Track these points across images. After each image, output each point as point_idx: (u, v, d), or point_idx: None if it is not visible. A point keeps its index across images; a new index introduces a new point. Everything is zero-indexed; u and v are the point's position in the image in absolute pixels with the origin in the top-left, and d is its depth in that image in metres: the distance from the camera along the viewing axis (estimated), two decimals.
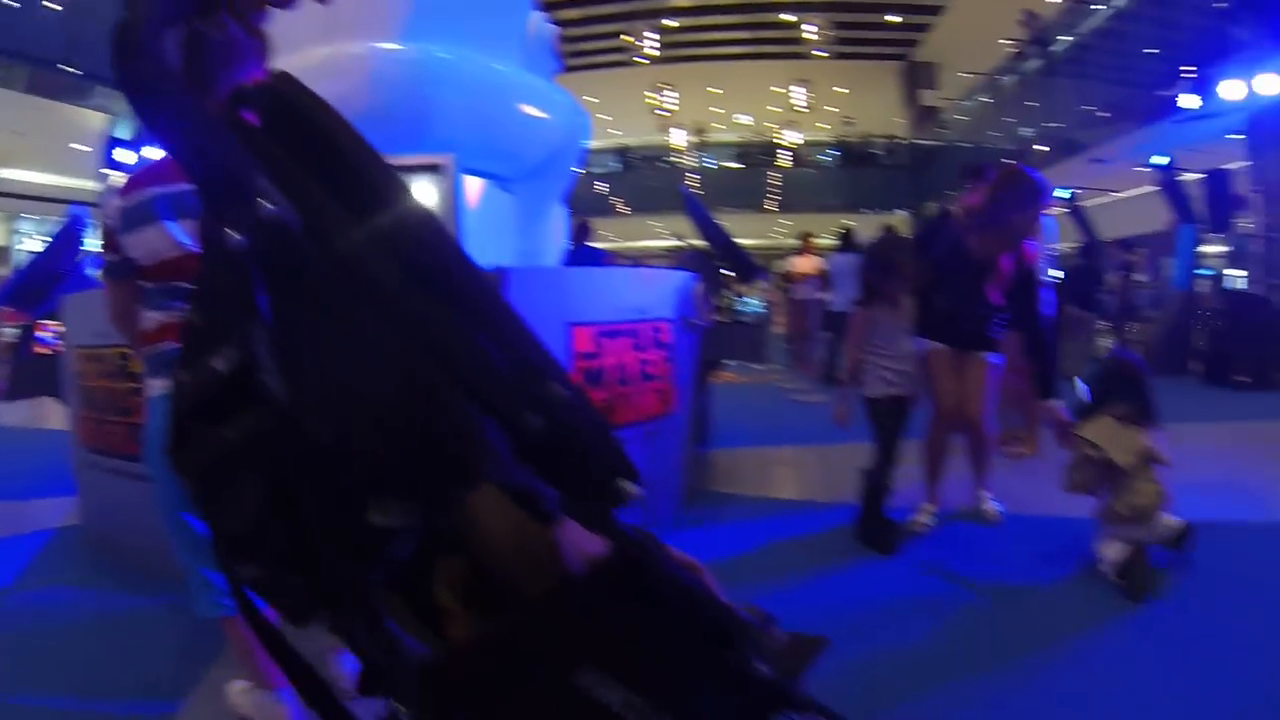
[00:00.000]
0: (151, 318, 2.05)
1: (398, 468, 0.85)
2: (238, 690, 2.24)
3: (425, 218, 0.93)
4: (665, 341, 4.09)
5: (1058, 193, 15.00)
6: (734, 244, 4.85)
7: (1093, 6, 17.92)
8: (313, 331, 0.85)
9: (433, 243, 0.93)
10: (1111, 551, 3.20)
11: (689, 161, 28.63)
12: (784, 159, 28.88)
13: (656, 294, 4.11)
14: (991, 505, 4.15)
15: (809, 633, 1.82)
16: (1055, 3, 19.61)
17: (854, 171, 28.45)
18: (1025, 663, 2.66)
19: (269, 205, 0.78)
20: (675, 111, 25.61)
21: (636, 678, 1.09)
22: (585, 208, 21.61)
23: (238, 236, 0.78)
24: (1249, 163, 11.55)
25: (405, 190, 0.92)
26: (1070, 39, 19.39)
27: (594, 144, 27.72)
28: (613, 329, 3.76)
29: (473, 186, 4.61)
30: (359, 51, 4.23)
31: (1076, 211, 14.52)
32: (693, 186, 26.82)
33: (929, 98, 28.44)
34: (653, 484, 3.81)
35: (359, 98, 3.83)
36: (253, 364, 0.80)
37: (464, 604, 1.09)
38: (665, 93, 24.42)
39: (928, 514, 4.05)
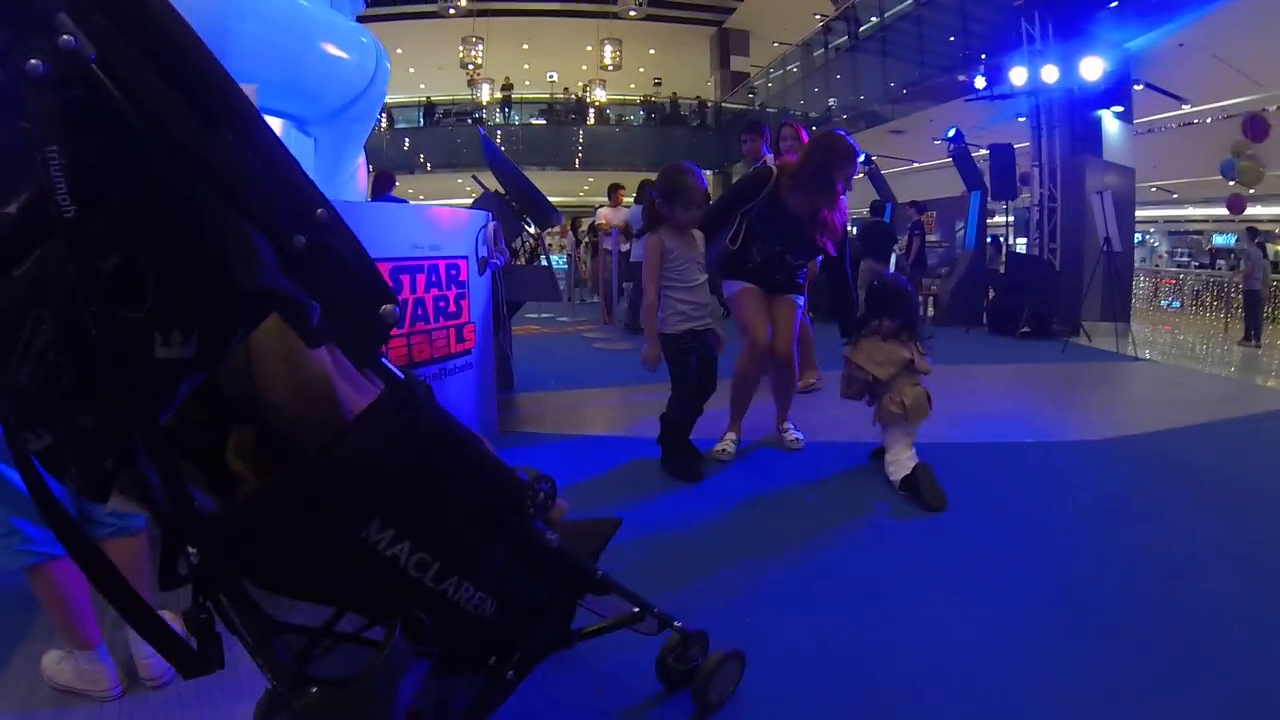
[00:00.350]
0: None
1: (181, 293, 0.90)
2: (53, 660, 2.05)
3: (195, 42, 0.90)
4: (461, 280, 3.84)
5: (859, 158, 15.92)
6: (531, 188, 4.60)
7: None
8: (102, 158, 0.84)
9: (205, 65, 0.91)
10: (897, 468, 3.64)
11: (496, 119, 27.97)
12: (591, 118, 28.57)
13: (452, 232, 3.86)
14: (793, 434, 4.41)
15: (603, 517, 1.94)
16: None
17: (661, 131, 28.48)
18: (824, 559, 2.92)
19: (68, 37, 0.78)
20: (482, 67, 24.80)
21: (424, 535, 1.17)
22: (389, 163, 20.83)
23: (38, 64, 0.77)
24: (1029, 142, 12.44)
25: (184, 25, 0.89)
26: (876, 20, 20.12)
27: (400, 98, 26.92)
28: (409, 265, 3.52)
29: (272, 126, 4.18)
30: None
31: (874, 174, 15.42)
32: (500, 143, 26.33)
33: (740, 64, 28.96)
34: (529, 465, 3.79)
35: None
36: (48, 190, 0.79)
37: (255, 473, 1.16)
38: (475, 47, 23.54)
39: (731, 443, 4.23)
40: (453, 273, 3.78)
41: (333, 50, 4.48)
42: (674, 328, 3.73)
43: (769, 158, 5.22)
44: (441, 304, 3.70)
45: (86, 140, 0.82)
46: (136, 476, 1.01)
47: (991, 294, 12.05)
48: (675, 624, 1.85)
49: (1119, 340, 9.41)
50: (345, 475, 1.08)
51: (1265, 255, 13.59)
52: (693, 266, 3.71)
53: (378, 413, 1.13)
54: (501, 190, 4.73)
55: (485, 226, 4.07)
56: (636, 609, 1.78)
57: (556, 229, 11.66)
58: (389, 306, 1.05)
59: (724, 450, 4.19)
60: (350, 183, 5.51)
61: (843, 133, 4.08)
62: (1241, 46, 11.96)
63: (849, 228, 4.18)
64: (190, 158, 0.88)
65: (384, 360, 1.12)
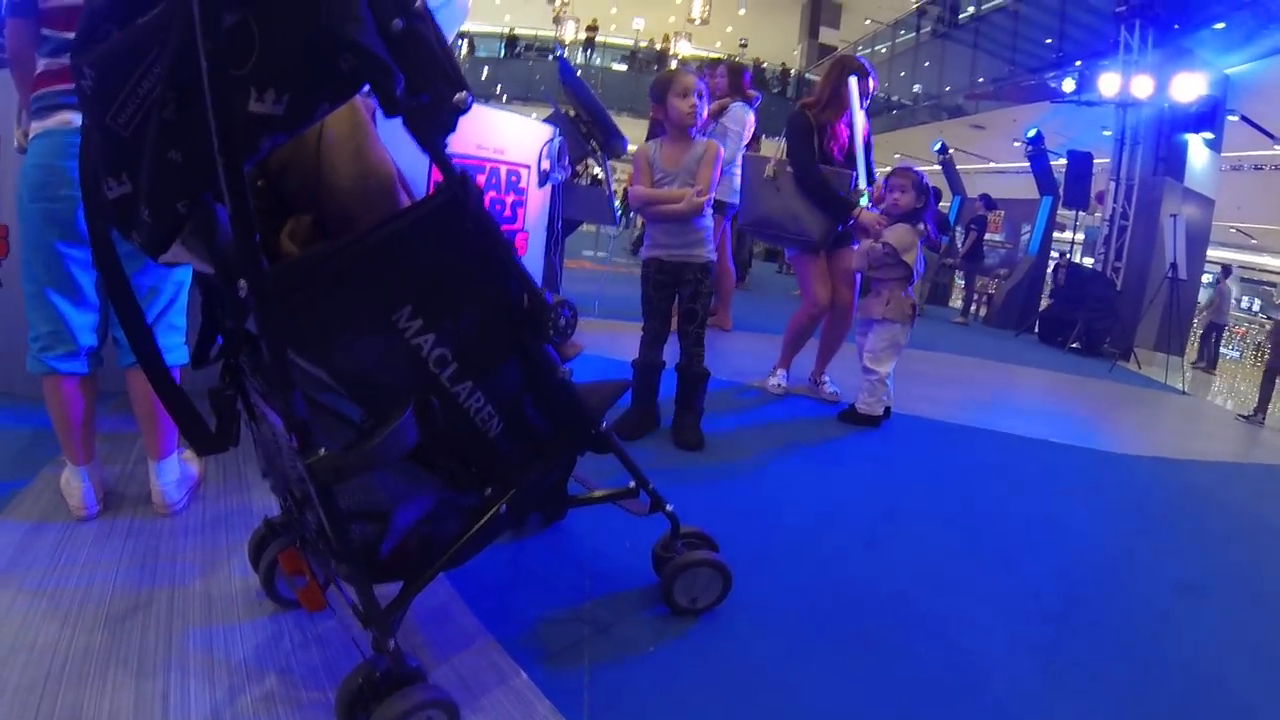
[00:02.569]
0: (43, 63, 2.00)
1: (284, 55, 1.02)
2: (61, 475, 2.20)
3: None
4: (521, 187, 3.89)
5: (934, 146, 15.77)
6: (602, 113, 4.62)
7: None
8: None
9: None
10: (872, 397, 3.98)
11: (578, 59, 27.80)
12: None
13: (518, 139, 3.88)
14: (830, 387, 4.49)
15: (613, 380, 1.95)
16: None
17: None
18: (833, 512, 2.90)
19: None
20: (570, 4, 24.62)
21: (449, 332, 1.27)
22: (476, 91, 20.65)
23: None
24: (1110, 158, 12.17)
25: None
26: (972, 10, 19.70)
27: (483, 26, 26.81)
28: (472, 163, 3.56)
29: None
30: None
31: (947, 166, 15.22)
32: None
33: (829, 36, 28.51)
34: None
35: None
36: None
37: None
38: None
39: (782, 378, 4.44)
40: (513, 179, 3.81)
41: None
42: (644, 253, 3.37)
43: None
44: (498, 207, 3.74)
45: None
46: (204, 222, 1.11)
47: (1046, 303, 11.83)
48: (667, 507, 1.87)
49: (1168, 372, 9.16)
50: (387, 254, 1.18)
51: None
52: (676, 185, 3.20)
53: (428, 203, 1.22)
54: (572, 113, 4.74)
55: (551, 140, 4.09)
56: (632, 483, 1.80)
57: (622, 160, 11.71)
58: (463, 94, 1.13)
59: (778, 385, 4.40)
60: None
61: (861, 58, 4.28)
62: None
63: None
64: None
65: (447, 151, 1.19)
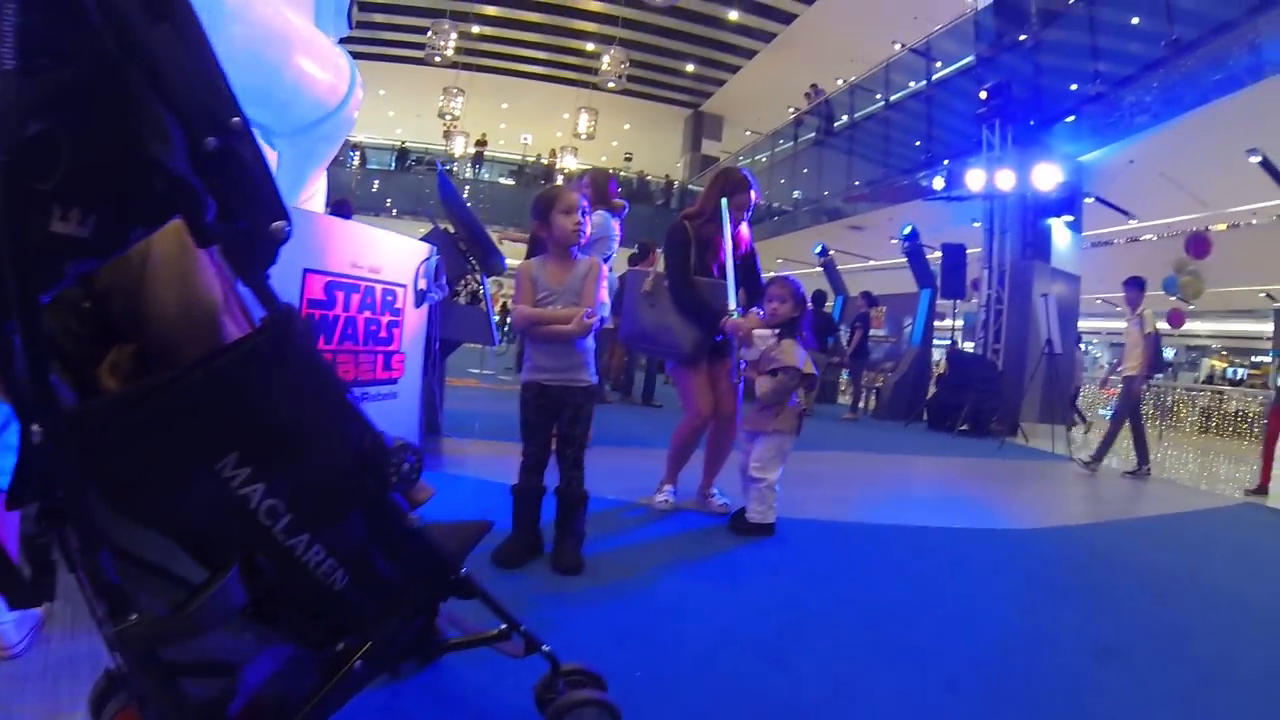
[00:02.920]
0: None
1: (90, 172, 0.93)
2: None
3: None
4: (396, 307, 3.80)
5: (814, 249, 16.37)
6: (480, 230, 4.61)
7: (875, 94, 19.50)
8: (53, 26, 0.90)
9: None
10: (764, 506, 3.87)
11: (467, 173, 28.18)
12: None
13: (394, 258, 3.82)
14: (719, 499, 4.35)
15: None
16: (838, 85, 21.09)
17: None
18: (733, 626, 2.74)
19: None
20: (459, 119, 25.03)
21: (280, 482, 1.15)
22: (358, 202, 20.75)
23: None
24: (981, 247, 12.91)
25: None
26: (846, 118, 20.81)
27: (375, 138, 26.98)
28: (346, 282, 3.46)
29: None
30: None
31: (829, 266, 15.75)
32: (467, 199, 26.44)
33: (710, 147, 29.63)
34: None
35: None
36: None
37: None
38: (455, 99, 23.75)
39: (669, 494, 4.31)
40: (388, 298, 3.72)
41: (308, 65, 4.43)
42: (525, 375, 3.23)
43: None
44: (373, 328, 3.63)
45: (44, 6, 0.89)
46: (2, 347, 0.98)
47: (933, 390, 12.25)
48: (544, 648, 1.74)
49: (1055, 441, 9.58)
50: (207, 396, 1.08)
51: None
52: (560, 304, 3.11)
53: (253, 339, 1.14)
54: (451, 229, 4.70)
55: (428, 258, 4.04)
56: (503, 625, 1.69)
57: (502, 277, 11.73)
58: (281, 224, 1.07)
59: (665, 501, 4.25)
60: (308, 204, 5.45)
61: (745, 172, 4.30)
62: (1188, 166, 12.56)
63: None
64: (132, 43, 0.95)
65: (270, 284, 1.12)
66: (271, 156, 4.90)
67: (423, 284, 3.98)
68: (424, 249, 4.10)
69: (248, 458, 1.11)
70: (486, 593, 1.58)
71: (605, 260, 5.45)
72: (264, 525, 1.17)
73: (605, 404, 9.17)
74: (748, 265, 4.22)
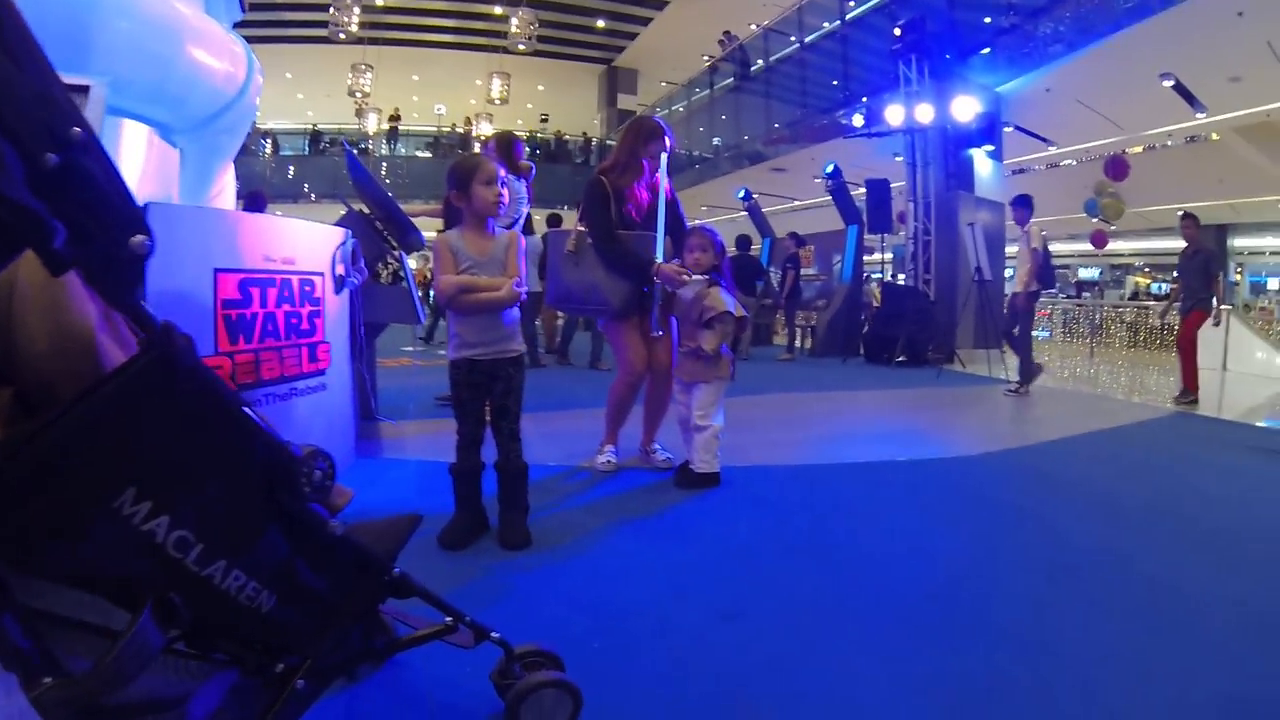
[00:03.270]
0: None
1: None
2: None
3: None
4: (316, 297, 3.68)
5: (737, 194, 16.38)
6: (394, 207, 4.48)
7: (789, 37, 19.41)
8: None
9: None
10: (708, 455, 3.89)
11: (382, 149, 27.63)
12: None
13: (308, 246, 3.67)
14: (662, 454, 4.36)
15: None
16: (752, 30, 20.95)
17: (545, 168, 28.49)
18: (681, 579, 2.77)
19: None
20: (370, 96, 24.42)
21: (184, 511, 1.08)
22: (273, 191, 20.22)
23: None
24: (905, 181, 13.00)
25: None
26: (761, 63, 20.72)
27: (286, 124, 26.25)
28: (260, 277, 3.33)
29: (137, 132, 4.03)
30: None
31: (753, 210, 15.77)
32: (385, 175, 25.94)
33: (626, 102, 29.35)
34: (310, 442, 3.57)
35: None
36: None
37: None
38: (363, 75, 23.13)
39: (610, 454, 4.27)
40: (307, 289, 3.61)
41: (201, 56, 4.24)
42: (452, 353, 3.15)
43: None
44: (294, 320, 3.52)
45: None
46: None
47: (867, 325, 12.39)
48: (493, 634, 1.71)
49: (991, 366, 9.78)
50: (92, 435, 1.00)
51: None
52: (485, 275, 3.06)
53: (131, 366, 1.05)
54: (366, 209, 4.57)
55: (344, 244, 3.93)
56: (449, 618, 1.66)
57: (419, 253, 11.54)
58: (140, 238, 0.99)
59: (607, 462, 4.21)
60: (218, 200, 5.27)
61: (657, 118, 4.29)
62: (1103, 92, 12.89)
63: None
64: None
65: (143, 304, 1.05)
66: (173, 155, 4.72)
67: (340, 269, 3.88)
68: (338, 234, 3.98)
69: (146, 491, 1.05)
70: (425, 589, 1.54)
71: (516, 223, 5.38)
72: (175, 559, 1.10)
73: (540, 368, 9.15)
74: (670, 214, 4.18)
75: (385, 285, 4.67)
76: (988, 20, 13.22)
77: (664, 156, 4.12)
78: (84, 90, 3.04)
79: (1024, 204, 8.57)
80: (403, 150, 28.13)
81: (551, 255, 4.25)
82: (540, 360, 9.64)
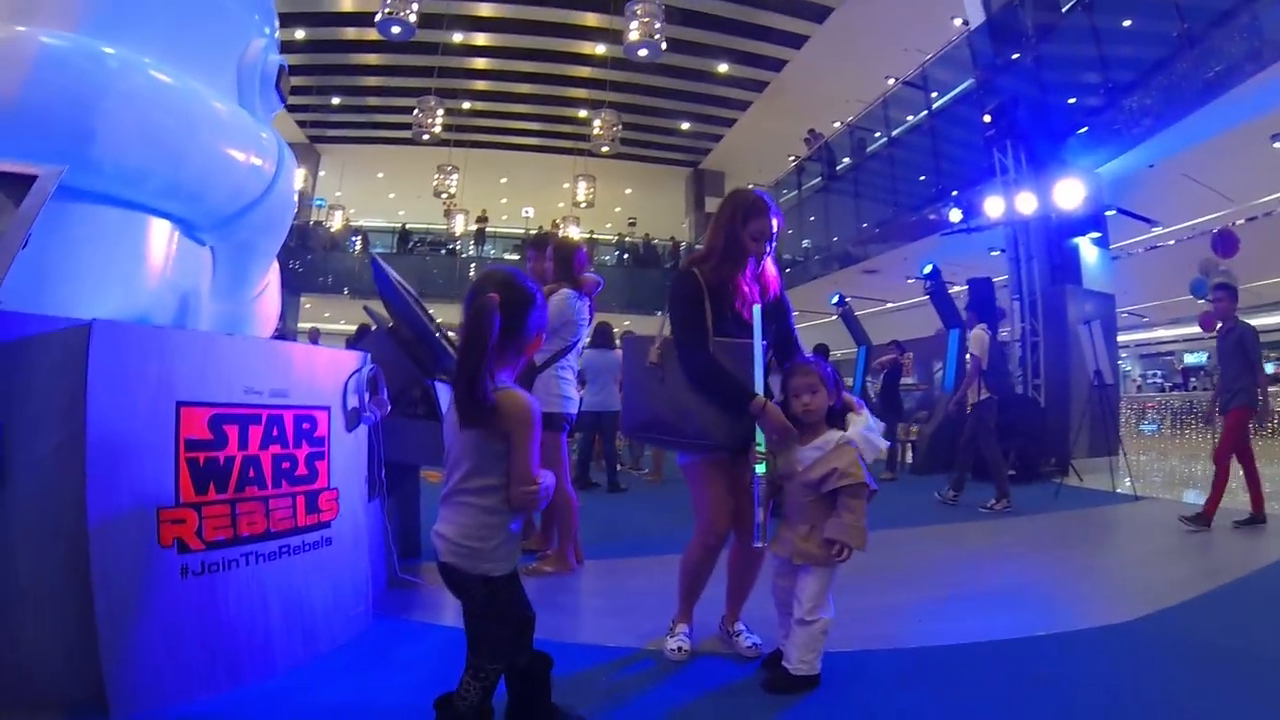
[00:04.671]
0: None
1: None
2: None
3: None
4: (317, 436, 3.03)
5: (830, 299, 15.62)
6: (424, 326, 3.77)
7: (875, 133, 19.06)
8: None
9: None
10: (811, 654, 2.89)
11: (470, 250, 27.80)
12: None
13: (306, 376, 3.06)
14: (748, 638, 3.30)
15: None
16: (836, 127, 20.61)
17: (634, 271, 28.32)
18: None
19: None
20: (456, 197, 24.60)
21: None
22: (363, 287, 20.22)
23: None
24: (1007, 275, 12.16)
25: None
26: (848, 160, 20.26)
27: (378, 222, 26.84)
28: (240, 412, 2.74)
29: (160, 231, 3.64)
30: (12, 38, 3.10)
31: (847, 315, 14.99)
32: (472, 276, 25.96)
33: (714, 205, 29.10)
34: (302, 610, 2.96)
35: (8, 96, 2.90)
36: None
37: None
38: (449, 176, 23.35)
39: (683, 639, 3.27)
40: (305, 426, 2.97)
41: (221, 148, 3.81)
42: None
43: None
44: (285, 465, 2.88)
45: None
46: None
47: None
48: None
49: (1114, 477, 8.84)
50: None
51: None
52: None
53: None
54: (392, 322, 3.89)
55: (358, 371, 3.29)
56: None
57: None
58: None
59: (677, 649, 3.21)
60: (256, 304, 4.75)
61: (758, 191, 3.32)
62: (1210, 162, 11.89)
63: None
64: None
65: None
66: (203, 254, 4.23)
67: (354, 402, 3.23)
68: (351, 359, 3.35)
69: None
70: None
71: (573, 348, 4.68)
72: None
73: (620, 491, 8.49)
74: (778, 318, 3.29)
75: (413, 419, 3.95)
76: (1071, 101, 12.42)
77: (771, 242, 3.21)
78: (28, 180, 2.50)
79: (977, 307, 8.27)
80: (492, 252, 28.24)
81: (629, 368, 3.32)
82: (620, 484, 8.96)
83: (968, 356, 8.07)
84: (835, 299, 15.39)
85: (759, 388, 2.96)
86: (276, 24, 4.66)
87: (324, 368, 3.16)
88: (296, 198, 4.80)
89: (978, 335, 8.20)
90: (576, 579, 4.52)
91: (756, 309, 3.02)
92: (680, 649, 3.22)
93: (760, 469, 2.96)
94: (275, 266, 4.97)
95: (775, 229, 3.18)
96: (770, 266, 3.28)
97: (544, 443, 4.56)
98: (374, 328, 3.95)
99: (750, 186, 3.38)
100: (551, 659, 2.40)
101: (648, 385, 3.20)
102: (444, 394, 4.07)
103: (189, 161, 3.59)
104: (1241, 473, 6.57)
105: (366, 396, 3.29)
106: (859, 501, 2.89)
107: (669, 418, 3.14)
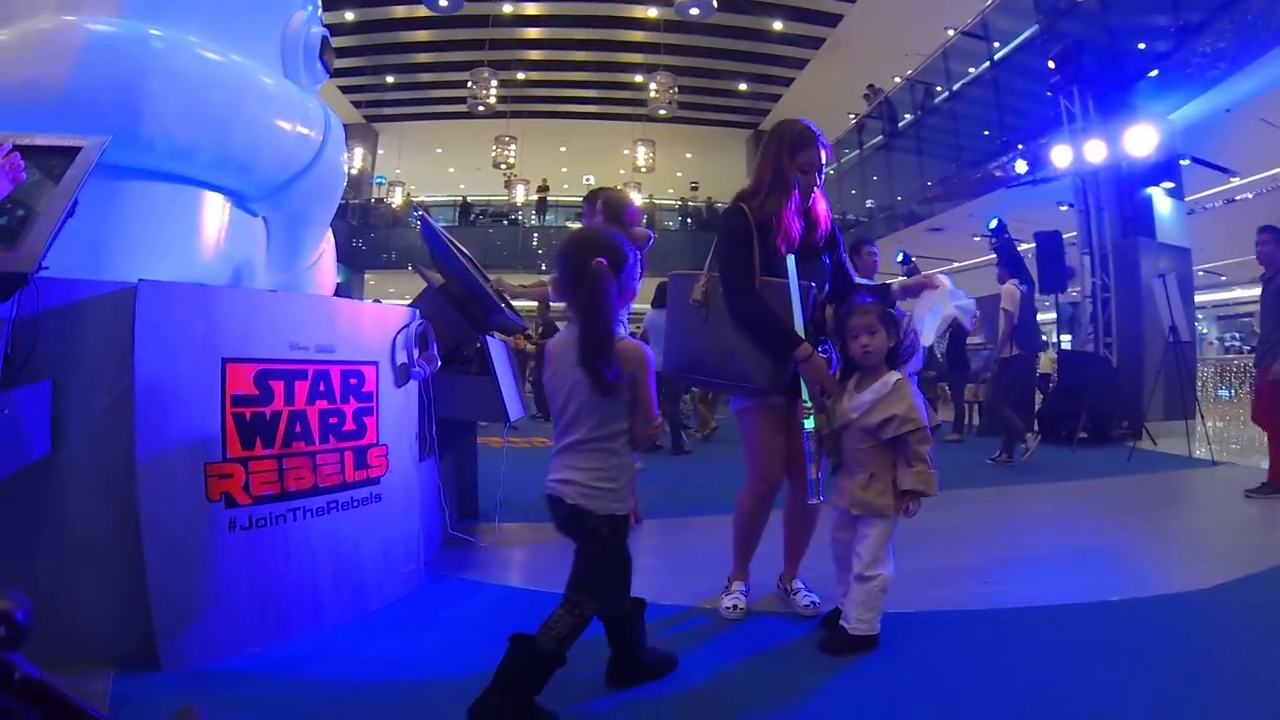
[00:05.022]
0: None
1: None
2: None
3: None
4: (365, 391, 3.02)
5: (895, 258, 15.28)
6: (474, 282, 3.71)
7: (936, 87, 18.55)
8: None
9: None
10: (871, 611, 2.77)
11: (532, 220, 27.82)
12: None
13: (351, 331, 3.04)
14: (805, 596, 3.21)
15: None
16: (896, 82, 20.10)
17: (697, 236, 27.95)
18: None
19: None
20: (515, 167, 24.63)
21: None
22: (424, 261, 20.43)
23: None
24: (1076, 230, 11.72)
25: None
26: (909, 117, 19.79)
27: (439, 197, 27.06)
28: (285, 368, 2.74)
29: (213, 204, 3.77)
30: (60, 27, 3.27)
31: (911, 273, 14.66)
32: (537, 246, 26.03)
33: None
34: (352, 566, 3.00)
35: (56, 83, 3.08)
36: None
37: None
38: (508, 147, 23.37)
39: (740, 596, 3.19)
40: (352, 381, 2.96)
41: (266, 118, 3.86)
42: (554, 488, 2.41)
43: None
44: (333, 420, 2.87)
45: None
46: None
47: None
48: None
49: (1191, 441, 8.40)
50: None
51: None
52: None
53: None
54: (443, 279, 3.84)
55: (407, 326, 3.27)
56: None
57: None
58: None
59: (733, 608, 3.13)
60: (316, 271, 4.83)
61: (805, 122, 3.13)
62: None
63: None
64: None
65: None
66: (257, 226, 4.27)
67: (403, 358, 3.21)
68: (400, 315, 3.33)
69: None
70: None
71: (627, 304, 4.60)
72: None
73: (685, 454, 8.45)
74: (830, 253, 3.18)
75: (469, 376, 3.93)
76: (1141, 46, 11.86)
77: (820, 175, 3.10)
78: (73, 152, 2.52)
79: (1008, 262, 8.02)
80: (553, 220, 28.24)
81: (672, 307, 3.19)
82: (685, 447, 8.89)
83: (1001, 311, 7.99)
84: (900, 258, 15.07)
85: (799, 324, 2.88)
86: None
87: (371, 323, 3.15)
88: (346, 167, 4.83)
89: (1009, 290, 8.12)
90: (634, 539, 4.44)
91: (790, 260, 2.93)
92: (735, 607, 3.15)
93: (808, 424, 2.87)
94: (330, 235, 5.00)
95: (825, 160, 3.09)
96: (821, 200, 3.17)
97: None
98: (426, 287, 3.92)
99: (804, 122, 3.12)
100: (645, 601, 2.49)
101: (691, 324, 3.10)
102: (497, 350, 4.05)
103: (236, 134, 3.65)
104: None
105: (416, 352, 3.27)
106: (924, 447, 2.77)
107: (711, 360, 3.03)
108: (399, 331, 3.23)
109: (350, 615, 2.97)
